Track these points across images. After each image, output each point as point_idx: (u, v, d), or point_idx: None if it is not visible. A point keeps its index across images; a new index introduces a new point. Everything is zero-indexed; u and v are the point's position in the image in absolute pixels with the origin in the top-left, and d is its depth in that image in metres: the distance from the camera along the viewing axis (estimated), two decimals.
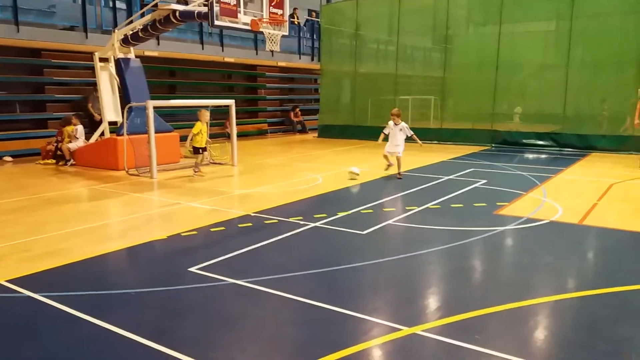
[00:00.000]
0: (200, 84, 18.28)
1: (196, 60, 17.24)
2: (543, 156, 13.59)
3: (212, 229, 6.29)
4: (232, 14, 9.77)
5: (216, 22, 9.65)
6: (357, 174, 9.72)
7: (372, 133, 17.62)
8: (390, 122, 9.78)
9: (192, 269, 4.86)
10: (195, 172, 10.22)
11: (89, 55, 12.57)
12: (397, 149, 9.72)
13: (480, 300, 4.15)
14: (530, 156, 13.59)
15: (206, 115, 10.27)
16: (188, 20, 10.89)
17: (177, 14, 10.42)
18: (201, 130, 10.19)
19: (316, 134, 19.68)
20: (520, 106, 15.65)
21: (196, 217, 6.94)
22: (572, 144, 14.28)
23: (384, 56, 18.82)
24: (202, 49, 17.18)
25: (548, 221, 6.60)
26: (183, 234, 6.09)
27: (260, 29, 10.01)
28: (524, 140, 15.19)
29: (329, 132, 18.97)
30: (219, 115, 13.94)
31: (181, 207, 7.61)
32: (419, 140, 10.04)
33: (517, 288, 4.45)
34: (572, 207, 7.30)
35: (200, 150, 10.29)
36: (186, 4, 11.00)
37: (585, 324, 3.81)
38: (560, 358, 3.33)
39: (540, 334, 3.66)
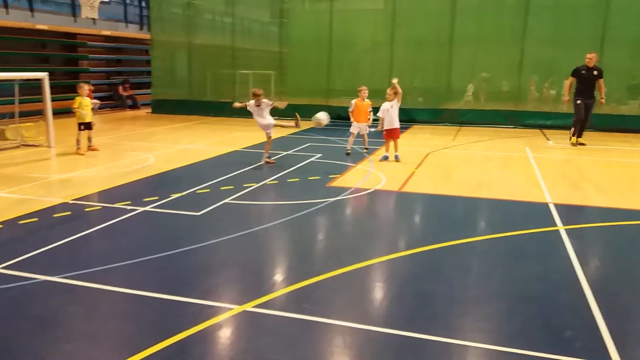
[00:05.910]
0: (6, 54, 15.83)
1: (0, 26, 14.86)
2: (372, 129, 14.58)
3: (20, 222, 5.54)
4: None
5: None
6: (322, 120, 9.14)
7: (211, 108, 17.22)
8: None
9: None
10: (78, 149, 9.77)
11: None
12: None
13: (309, 270, 4.32)
14: None
15: (84, 88, 9.75)
16: None
17: None
18: (81, 104, 9.61)
19: (150, 110, 18.50)
20: (472, 84, 15.47)
21: (1, 208, 6.05)
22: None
23: (221, 28, 18.24)
24: (7, 13, 14.83)
25: (373, 190, 7.13)
26: None
27: None
28: None
29: (164, 107, 17.92)
30: (32, 90, 12.28)
31: None
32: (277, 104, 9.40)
33: (342, 254, 4.73)
34: (394, 176, 7.99)
35: (83, 126, 9.74)
36: None
37: (398, 282, 4.22)
38: (375, 315, 3.64)
39: (359, 296, 3.94)
